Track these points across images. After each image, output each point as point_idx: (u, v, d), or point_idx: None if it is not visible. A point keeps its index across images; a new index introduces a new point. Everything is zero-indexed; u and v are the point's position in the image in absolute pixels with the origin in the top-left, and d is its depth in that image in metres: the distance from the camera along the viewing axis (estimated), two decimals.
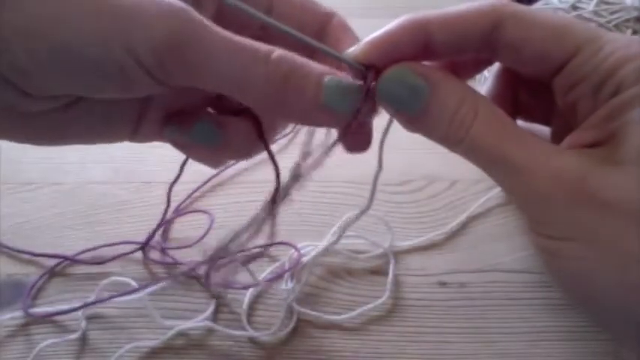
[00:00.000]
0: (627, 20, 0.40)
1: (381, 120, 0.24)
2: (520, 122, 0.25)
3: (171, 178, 0.40)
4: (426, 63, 0.22)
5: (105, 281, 0.36)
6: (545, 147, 0.21)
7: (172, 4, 0.20)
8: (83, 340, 0.35)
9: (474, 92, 0.21)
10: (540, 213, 0.20)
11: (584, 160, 0.20)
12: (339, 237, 0.36)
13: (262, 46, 0.21)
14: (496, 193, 0.42)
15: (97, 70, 0.20)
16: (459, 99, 0.21)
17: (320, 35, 0.26)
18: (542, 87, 0.23)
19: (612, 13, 0.40)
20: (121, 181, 0.44)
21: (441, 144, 0.22)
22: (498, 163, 0.20)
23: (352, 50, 0.22)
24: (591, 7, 0.40)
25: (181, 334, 0.35)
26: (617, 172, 0.19)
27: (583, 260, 0.20)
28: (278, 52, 0.21)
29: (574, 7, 0.41)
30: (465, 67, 0.25)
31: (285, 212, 0.42)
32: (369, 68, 0.22)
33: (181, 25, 0.20)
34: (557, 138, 0.24)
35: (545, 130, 0.25)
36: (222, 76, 0.21)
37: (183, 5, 0.20)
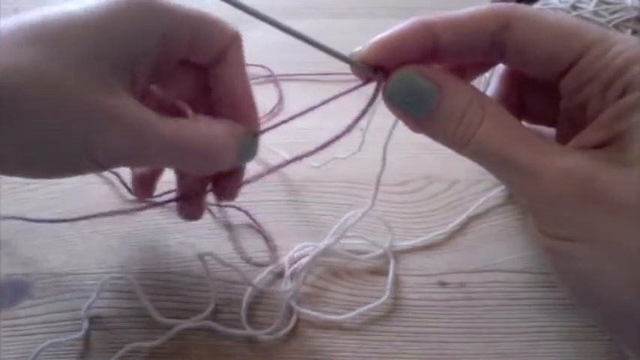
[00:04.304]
0: (627, 20, 0.40)
1: (384, 121, 0.24)
2: (525, 124, 0.25)
3: (171, 177, 0.40)
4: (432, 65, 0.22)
5: (104, 278, 0.36)
6: (552, 147, 0.20)
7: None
8: (84, 340, 0.35)
9: (481, 95, 0.21)
10: (548, 214, 0.20)
11: (592, 160, 0.19)
12: (340, 237, 0.36)
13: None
14: (496, 193, 0.42)
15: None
16: (467, 102, 0.21)
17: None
18: (548, 88, 0.23)
19: (612, 13, 0.40)
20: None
21: (448, 146, 0.22)
22: (506, 164, 0.20)
23: (358, 50, 0.22)
24: (591, 7, 0.40)
25: (181, 333, 0.35)
26: (625, 173, 0.19)
27: (592, 261, 0.19)
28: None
29: (574, 7, 0.41)
30: (468, 68, 0.25)
31: (285, 212, 0.42)
32: (377, 70, 0.22)
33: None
34: (562, 140, 0.23)
35: (550, 131, 0.25)
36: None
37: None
